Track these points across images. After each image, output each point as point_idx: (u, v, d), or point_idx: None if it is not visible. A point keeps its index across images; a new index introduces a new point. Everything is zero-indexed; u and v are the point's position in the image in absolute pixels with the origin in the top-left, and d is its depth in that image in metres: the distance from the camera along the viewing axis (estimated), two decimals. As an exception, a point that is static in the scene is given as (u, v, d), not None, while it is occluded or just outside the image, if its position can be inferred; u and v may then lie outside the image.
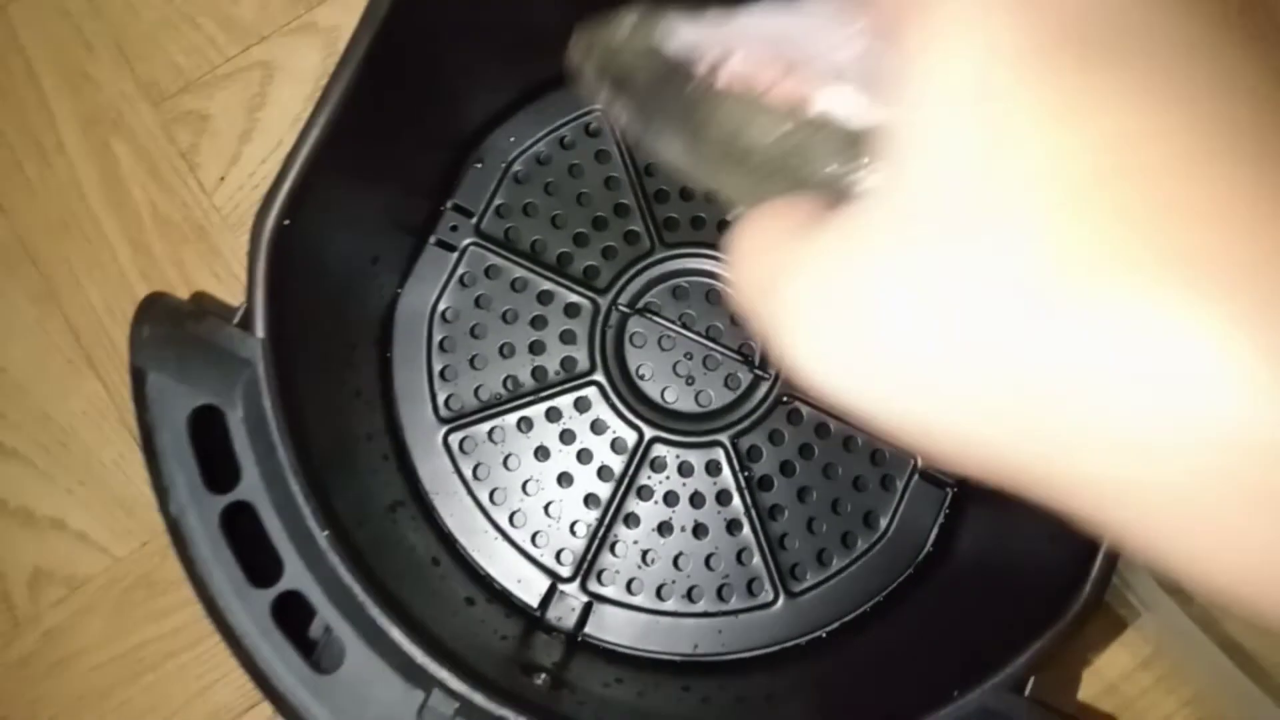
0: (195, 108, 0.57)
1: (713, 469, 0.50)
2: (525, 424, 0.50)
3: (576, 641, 0.47)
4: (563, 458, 0.50)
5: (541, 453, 0.50)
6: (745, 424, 0.50)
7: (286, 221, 0.36)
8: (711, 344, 0.50)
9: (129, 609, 0.53)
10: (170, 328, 0.34)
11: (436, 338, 0.51)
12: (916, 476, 0.49)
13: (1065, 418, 0.14)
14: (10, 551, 0.53)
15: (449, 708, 0.32)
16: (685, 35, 0.45)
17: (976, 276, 0.15)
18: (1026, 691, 0.34)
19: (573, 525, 0.49)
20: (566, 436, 0.50)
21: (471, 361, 0.51)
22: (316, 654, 0.33)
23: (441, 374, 0.51)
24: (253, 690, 0.52)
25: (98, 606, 0.53)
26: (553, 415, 0.50)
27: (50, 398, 0.55)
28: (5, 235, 0.56)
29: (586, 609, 0.48)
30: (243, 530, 0.33)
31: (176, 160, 0.57)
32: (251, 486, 0.33)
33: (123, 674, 0.52)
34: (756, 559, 0.48)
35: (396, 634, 0.32)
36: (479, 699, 0.32)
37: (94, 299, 0.55)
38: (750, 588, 0.48)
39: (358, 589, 0.32)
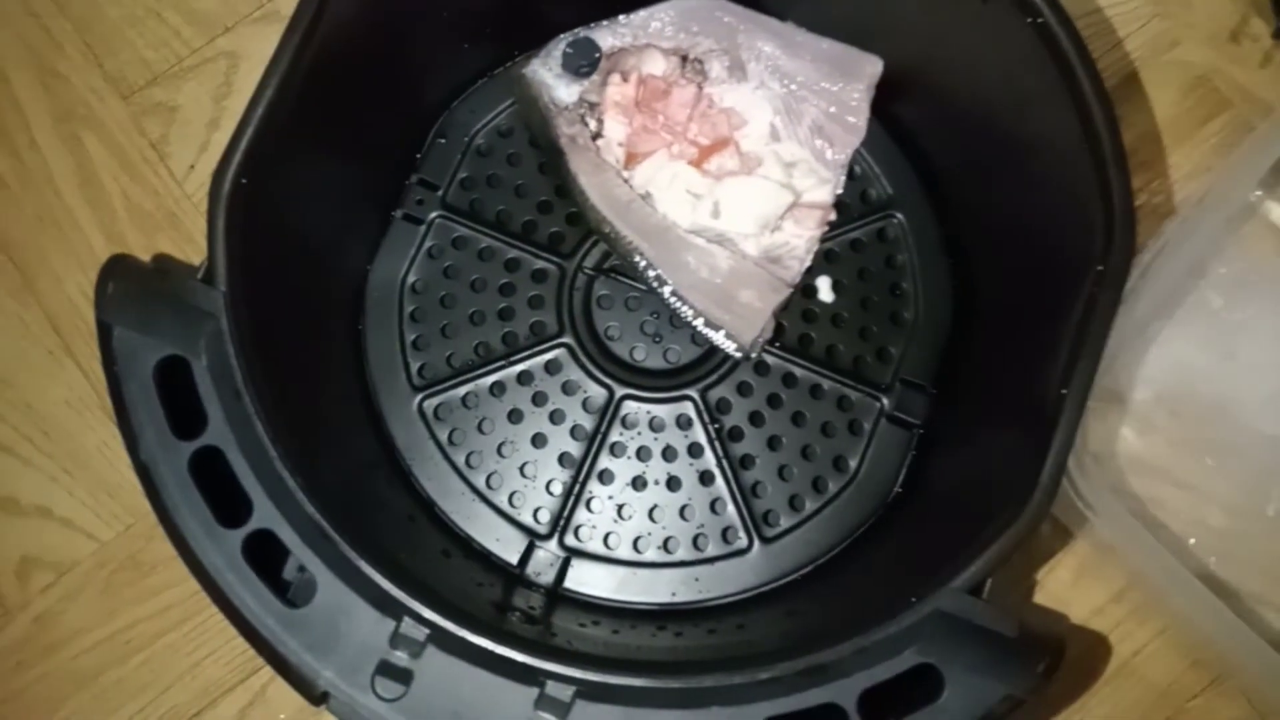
0: (164, 99, 0.58)
1: (683, 423, 0.50)
2: (498, 388, 0.51)
3: (556, 595, 0.48)
4: (536, 419, 0.51)
5: (515, 415, 0.51)
6: (713, 378, 0.51)
7: (244, 180, 0.37)
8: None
9: (117, 591, 0.53)
10: (134, 284, 0.35)
11: (407, 309, 0.52)
12: (883, 420, 0.50)
13: None
14: (-2, 541, 0.54)
15: (420, 634, 0.32)
16: (560, 92, 0.51)
17: None
18: (984, 595, 0.35)
19: (548, 484, 0.50)
20: (539, 398, 0.51)
21: (443, 330, 0.52)
22: (291, 593, 0.34)
23: (414, 344, 0.52)
24: (242, 665, 0.53)
25: (86, 590, 0.53)
26: (524, 379, 0.51)
27: (32, 388, 0.55)
28: (-18, 232, 0.57)
29: (565, 564, 0.49)
30: (213, 477, 0.34)
31: (147, 151, 0.58)
32: (218, 432, 0.34)
33: (114, 655, 0.53)
34: (730, 508, 0.49)
35: (364, 565, 0.33)
36: (448, 625, 0.33)
37: (71, 291, 0.56)
38: (725, 536, 0.49)
39: (325, 523, 0.33)
